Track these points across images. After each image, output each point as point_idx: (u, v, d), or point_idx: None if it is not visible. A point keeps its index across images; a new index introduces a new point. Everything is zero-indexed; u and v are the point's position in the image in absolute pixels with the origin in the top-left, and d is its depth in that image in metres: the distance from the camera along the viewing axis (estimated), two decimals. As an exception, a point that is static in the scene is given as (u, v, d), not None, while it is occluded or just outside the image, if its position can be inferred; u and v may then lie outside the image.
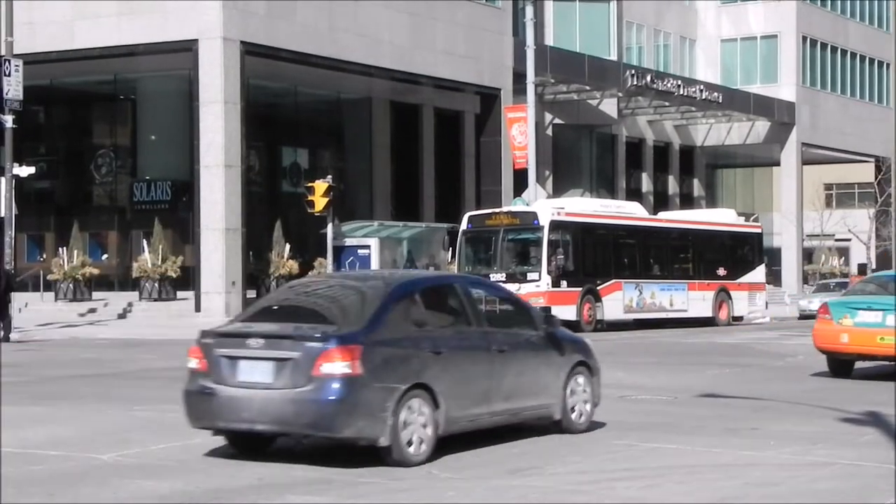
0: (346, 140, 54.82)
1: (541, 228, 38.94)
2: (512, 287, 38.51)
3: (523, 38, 49.63)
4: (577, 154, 65.99)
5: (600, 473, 12.13)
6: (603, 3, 63.96)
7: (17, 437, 13.96)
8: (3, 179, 36.67)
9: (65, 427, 15.05)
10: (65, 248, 44.71)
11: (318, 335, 12.23)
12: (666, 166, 71.55)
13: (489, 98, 53.13)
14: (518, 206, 43.43)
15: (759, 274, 48.34)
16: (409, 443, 12.35)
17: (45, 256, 48.39)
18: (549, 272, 38.57)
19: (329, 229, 40.02)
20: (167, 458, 12.82)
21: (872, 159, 79.97)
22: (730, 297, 45.96)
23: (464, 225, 40.65)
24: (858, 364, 22.89)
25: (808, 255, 76.81)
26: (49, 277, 44.62)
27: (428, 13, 49.58)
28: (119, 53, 43.38)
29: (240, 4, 41.97)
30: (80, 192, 50.80)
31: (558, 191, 60.96)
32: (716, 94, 66.82)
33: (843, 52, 77.61)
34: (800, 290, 69.55)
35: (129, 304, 43.07)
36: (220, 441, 13.08)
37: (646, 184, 69.21)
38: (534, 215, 39.71)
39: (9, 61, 36.27)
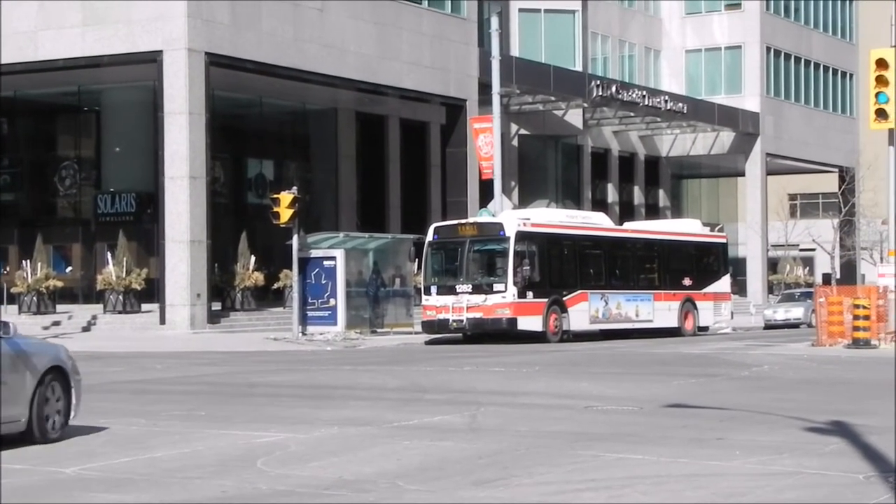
0: (311, 151, 54.75)
1: (507, 239, 38.95)
2: (478, 298, 38.79)
3: (489, 49, 49.71)
4: (543, 164, 66.12)
5: (566, 484, 12.11)
6: (568, 13, 64.15)
7: (-21, 452, 13.83)
8: (-35, 191, 36.44)
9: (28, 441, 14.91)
10: (28, 261, 44.44)
11: None
12: (631, 177, 71.77)
13: (455, 109, 53.18)
14: (484, 217, 43.44)
15: (724, 284, 48.49)
16: None
17: (8, 269, 48.08)
18: (515, 283, 38.57)
19: (294, 241, 39.91)
20: (131, 472, 12.74)
21: (836, 169, 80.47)
22: (695, 308, 46.08)
23: (430, 236, 40.63)
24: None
25: (772, 265, 77.16)
26: (12, 290, 44.32)
27: (393, 24, 49.61)
28: (84, 64, 43.22)
29: (205, 15, 41.88)
30: (43, 204, 50.54)
31: (524, 201, 61.06)
32: (680, 104, 67.10)
33: (807, 62, 78.09)
34: (765, 299, 69.88)
35: (94, 317, 42.83)
36: (185, 454, 12.97)
37: (611, 194, 69.39)
38: (500, 226, 39.73)
39: (-29, 73, 36.07)
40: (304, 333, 40.42)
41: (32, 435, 14.45)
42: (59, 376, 15.02)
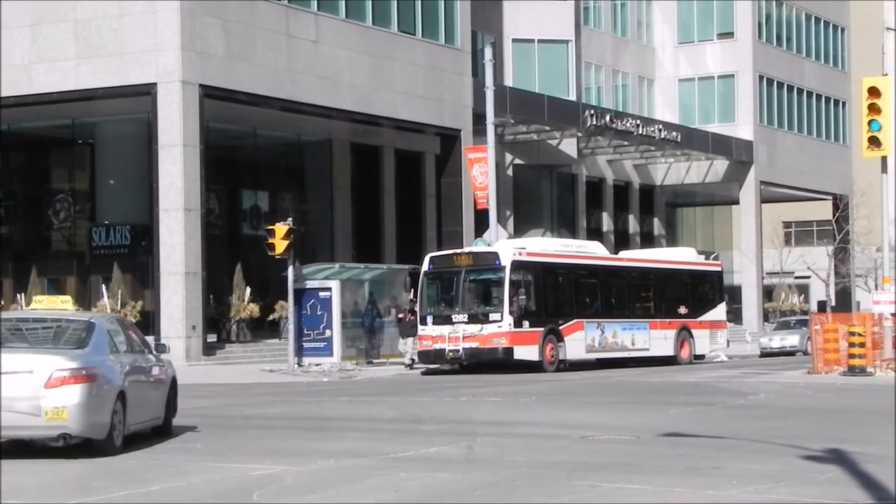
0: (306, 182, 54.78)
1: (502, 269, 38.97)
2: (475, 327, 38.75)
3: (483, 79, 49.81)
4: (538, 194, 66.19)
5: (563, 515, 12.09)
6: (561, 43, 64.33)
7: (-26, 486, 13.79)
8: (-40, 225, 36.42)
9: (25, 476, 14.87)
10: (23, 294, 44.35)
11: None
12: (626, 205, 71.83)
13: (449, 139, 53.25)
14: (479, 247, 43.46)
15: (720, 312, 48.48)
16: None
17: (2, 302, 47.98)
18: (511, 312, 38.57)
19: (290, 272, 39.89)
20: (127, 506, 12.71)
21: (830, 197, 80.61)
22: (691, 336, 46.06)
23: (425, 266, 40.63)
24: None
25: (768, 293, 77.18)
26: (8, 323, 44.15)
27: (387, 55, 49.72)
28: (77, 97, 43.23)
29: (198, 47, 41.96)
30: (38, 237, 50.49)
31: (519, 231, 61.09)
32: (674, 133, 67.23)
33: (800, 90, 78.31)
34: (760, 327, 69.85)
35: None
36: (181, 487, 12.93)
37: (606, 223, 69.44)
38: (495, 256, 39.75)
39: (-34, 106, 36.07)
40: (299, 365, 40.35)
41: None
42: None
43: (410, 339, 41.44)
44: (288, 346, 40.53)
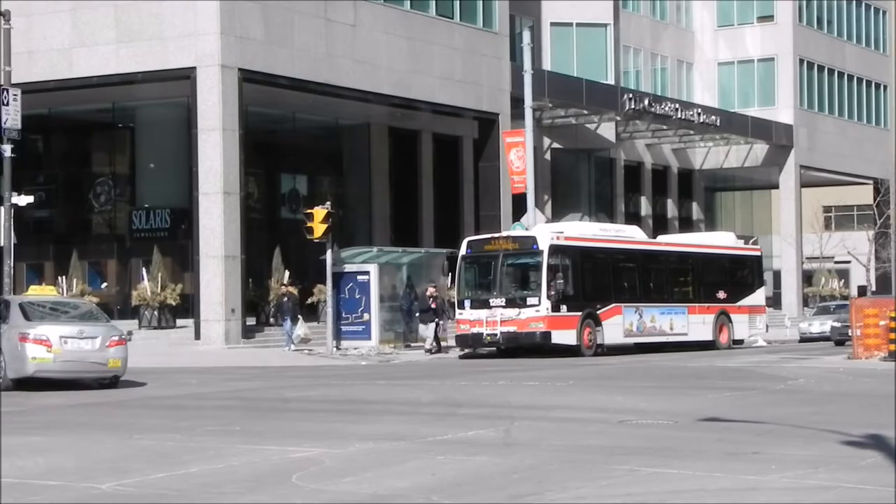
0: (344, 166, 54.86)
1: (540, 253, 38.92)
2: (512, 311, 38.74)
3: (521, 63, 49.73)
4: (576, 178, 66.05)
5: (601, 499, 12.07)
6: (600, 27, 64.10)
7: (16, 467, 13.90)
8: (2, 209, 36.67)
9: (64, 456, 14.99)
10: (64, 277, 44.66)
11: None
12: (664, 189, 71.59)
13: (487, 123, 53.19)
14: (517, 231, 43.44)
15: (759, 297, 48.30)
16: None
17: (44, 285, 48.27)
18: (548, 297, 38.53)
19: (328, 256, 39.99)
20: (166, 488, 12.78)
21: (871, 181, 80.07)
22: (730, 321, 45.91)
23: (463, 250, 40.64)
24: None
25: (807, 278, 76.78)
26: (48, 306, 44.46)
27: (425, 39, 49.69)
28: (117, 81, 43.44)
29: (238, 31, 42.06)
30: (78, 220, 50.78)
31: (557, 215, 60.98)
32: (713, 117, 66.90)
33: (841, 74, 77.76)
34: (800, 312, 69.53)
35: (129, 333, 42.66)
36: (219, 470, 12.97)
37: (644, 207, 69.23)
38: (533, 240, 39.71)
39: (7, 91, 36.28)
40: (338, 348, 40.47)
41: None
42: None
43: (432, 325, 41.45)
44: (326, 330, 40.65)
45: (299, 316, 40.88)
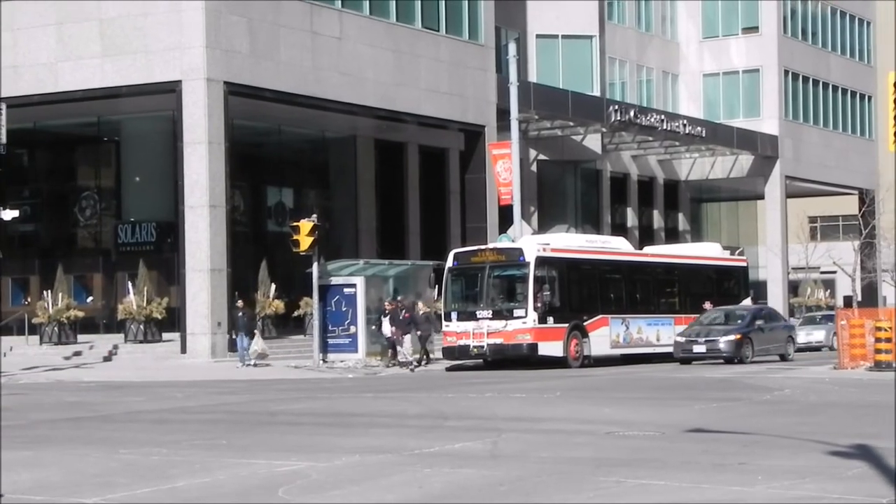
0: (330, 179, 54.85)
1: (527, 265, 38.96)
2: (499, 323, 38.73)
3: (507, 75, 49.79)
4: (562, 190, 66.10)
5: (588, 511, 12.08)
6: (585, 39, 64.22)
7: (3, 481, 13.85)
8: (-13, 223, 36.61)
9: (50, 470, 14.95)
10: (49, 291, 44.54)
11: None
12: (650, 201, 71.68)
13: (473, 135, 53.24)
14: (503, 243, 43.46)
15: (745, 307, 48.30)
16: None
17: (29, 300, 48.22)
18: (535, 308, 38.56)
19: (314, 268, 39.95)
20: (153, 501, 12.74)
21: (856, 191, 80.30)
22: (716, 331, 45.86)
23: (450, 262, 40.65)
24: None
25: (793, 288, 76.91)
26: (34, 321, 44.43)
27: (411, 51, 49.73)
28: (103, 95, 43.41)
29: (223, 45, 42.05)
30: (64, 234, 50.72)
31: (543, 227, 61.02)
32: (699, 128, 67.03)
33: (826, 85, 77.99)
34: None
35: (115, 347, 42.91)
36: (206, 484, 12.95)
37: (631, 218, 69.31)
38: (519, 252, 39.74)
39: (-8, 105, 36.24)
40: (324, 361, 40.42)
41: None
42: None
43: (407, 337, 41.04)
44: (313, 343, 40.60)
45: (255, 331, 40.30)
